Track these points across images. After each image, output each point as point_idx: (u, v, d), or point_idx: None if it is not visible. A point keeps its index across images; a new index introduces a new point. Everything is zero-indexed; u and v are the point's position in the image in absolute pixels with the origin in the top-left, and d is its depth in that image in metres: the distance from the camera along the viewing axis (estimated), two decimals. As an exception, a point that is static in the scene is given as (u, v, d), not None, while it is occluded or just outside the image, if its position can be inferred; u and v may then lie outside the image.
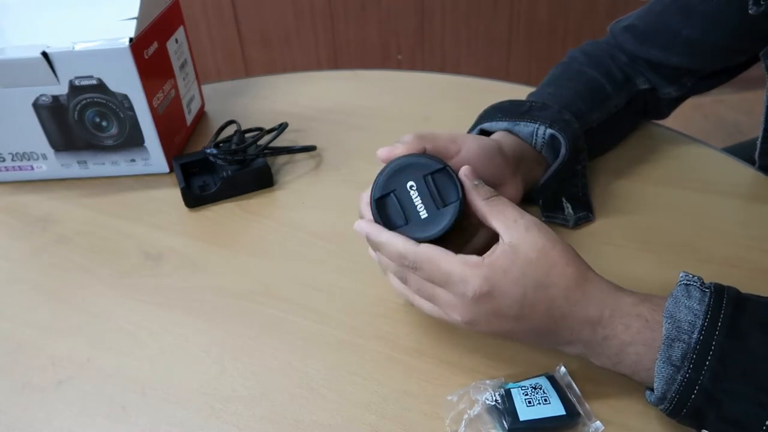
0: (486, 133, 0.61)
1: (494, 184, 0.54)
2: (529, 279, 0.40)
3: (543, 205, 0.61)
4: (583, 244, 0.58)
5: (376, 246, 0.45)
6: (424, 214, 0.43)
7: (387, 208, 0.44)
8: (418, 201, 0.43)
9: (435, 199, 0.43)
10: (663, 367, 0.39)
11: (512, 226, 0.42)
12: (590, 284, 0.41)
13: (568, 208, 0.60)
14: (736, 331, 0.38)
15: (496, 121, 0.60)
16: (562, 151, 0.58)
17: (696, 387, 0.38)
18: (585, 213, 0.60)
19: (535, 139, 0.59)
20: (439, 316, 0.44)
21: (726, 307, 0.39)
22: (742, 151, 0.72)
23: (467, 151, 0.51)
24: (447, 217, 0.43)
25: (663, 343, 0.39)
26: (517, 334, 0.43)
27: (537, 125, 0.58)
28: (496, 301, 0.41)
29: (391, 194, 0.44)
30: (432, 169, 0.43)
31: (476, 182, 0.44)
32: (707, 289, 0.40)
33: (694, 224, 0.60)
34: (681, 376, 0.38)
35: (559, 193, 0.61)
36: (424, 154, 0.46)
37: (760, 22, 0.58)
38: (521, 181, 0.56)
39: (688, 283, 0.41)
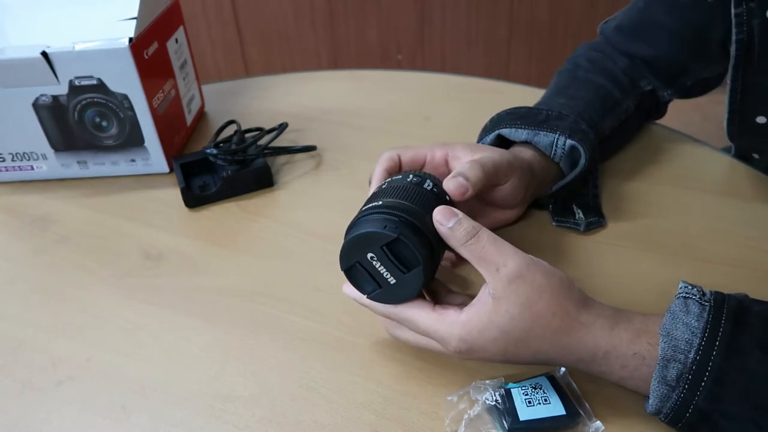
0: (504, 139, 0.60)
1: (510, 207, 0.56)
2: (511, 336, 0.39)
3: (553, 210, 0.61)
4: (585, 244, 0.58)
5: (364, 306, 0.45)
6: (392, 280, 0.42)
7: (357, 277, 0.43)
8: (382, 269, 0.42)
9: (398, 266, 0.41)
10: (658, 387, 0.38)
11: (495, 276, 0.40)
12: (581, 329, 0.40)
13: (579, 213, 0.60)
14: (734, 350, 0.37)
15: (515, 128, 0.58)
16: (581, 161, 0.57)
17: (691, 406, 0.38)
18: (596, 218, 0.60)
19: (555, 150, 0.58)
20: None
21: (725, 323, 0.38)
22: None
23: (522, 179, 0.53)
24: (416, 280, 0.41)
25: (659, 363, 0.38)
26: (512, 363, 0.43)
27: (557, 135, 0.57)
28: (479, 354, 0.41)
29: (357, 264, 0.43)
30: (386, 240, 0.41)
31: (451, 225, 0.41)
32: (706, 302, 0.39)
33: (695, 224, 0.60)
34: (676, 395, 0.38)
35: (570, 201, 0.61)
36: (388, 216, 0.42)
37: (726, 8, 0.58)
38: (528, 200, 0.58)
39: (687, 296, 0.40)
